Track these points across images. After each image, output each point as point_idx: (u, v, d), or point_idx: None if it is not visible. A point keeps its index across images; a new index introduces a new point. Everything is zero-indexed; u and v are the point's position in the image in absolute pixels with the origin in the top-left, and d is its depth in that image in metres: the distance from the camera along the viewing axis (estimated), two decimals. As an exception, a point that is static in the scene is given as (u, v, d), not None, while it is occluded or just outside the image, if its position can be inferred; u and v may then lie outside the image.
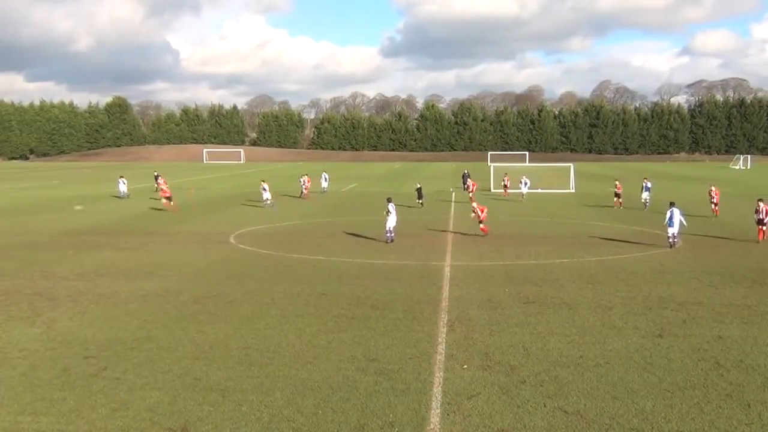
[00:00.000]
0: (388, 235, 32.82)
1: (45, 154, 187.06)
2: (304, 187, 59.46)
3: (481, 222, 35.05)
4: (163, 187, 51.88)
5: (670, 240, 31.32)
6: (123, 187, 57.94)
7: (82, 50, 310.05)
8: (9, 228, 39.12)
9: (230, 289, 23.10)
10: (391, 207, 33.15)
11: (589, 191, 59.59)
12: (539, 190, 63.75)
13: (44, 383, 14.11)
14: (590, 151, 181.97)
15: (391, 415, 12.43)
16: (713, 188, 46.14)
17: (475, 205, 36.49)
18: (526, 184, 59.35)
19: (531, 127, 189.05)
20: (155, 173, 78.09)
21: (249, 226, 39.46)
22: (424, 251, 30.39)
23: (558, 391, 13.63)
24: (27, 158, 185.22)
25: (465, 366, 15.06)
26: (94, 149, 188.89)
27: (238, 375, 14.55)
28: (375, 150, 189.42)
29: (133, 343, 16.88)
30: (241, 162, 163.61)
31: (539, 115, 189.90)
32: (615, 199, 50.97)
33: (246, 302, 21.12)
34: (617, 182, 52.70)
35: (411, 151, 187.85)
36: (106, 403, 13.03)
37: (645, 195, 49.74)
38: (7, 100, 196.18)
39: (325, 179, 66.20)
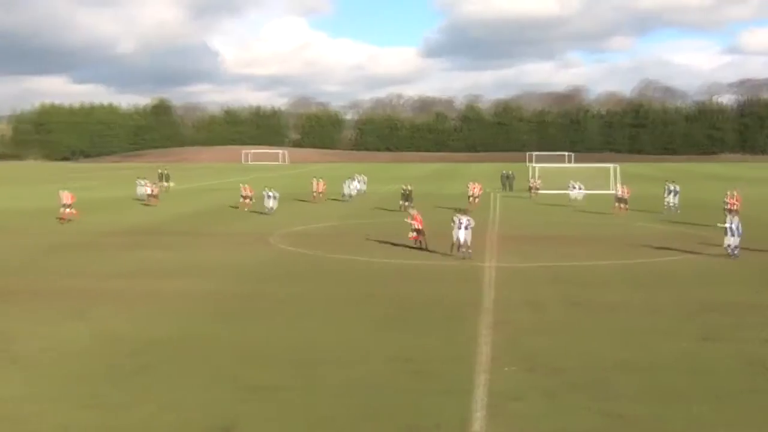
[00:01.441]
0: (461, 250, 28.52)
1: (89, 156, 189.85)
2: (315, 190, 57.13)
3: (417, 231, 30.97)
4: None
5: (729, 251, 28.59)
6: (141, 189, 56.90)
7: (127, 53, 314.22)
8: (56, 228, 39.78)
9: (272, 289, 23.26)
10: (464, 219, 29.00)
11: (632, 192, 58.65)
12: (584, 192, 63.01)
13: (93, 379, 14.31)
14: (633, 152, 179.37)
15: (435, 417, 12.39)
16: (733, 193, 42.12)
17: (414, 212, 32.45)
18: (578, 188, 54.40)
19: (572, 127, 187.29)
20: (163, 171, 77.43)
21: (289, 227, 39.67)
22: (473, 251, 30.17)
23: (604, 394, 13.49)
24: (73, 159, 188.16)
25: (511, 368, 14.95)
26: (137, 150, 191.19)
27: (283, 375, 14.62)
28: (415, 151, 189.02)
29: (177, 341, 17.08)
30: (282, 163, 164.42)
31: (581, 115, 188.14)
32: (617, 204, 46.96)
33: (288, 303, 21.25)
34: (623, 186, 48.90)
35: (451, 151, 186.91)
36: (153, 400, 13.17)
37: (671, 198, 46.99)
38: (54, 102, 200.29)
39: (361, 182, 65.34)
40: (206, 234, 37.36)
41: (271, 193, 47.07)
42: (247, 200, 49.18)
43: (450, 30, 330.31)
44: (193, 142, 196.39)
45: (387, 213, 47.92)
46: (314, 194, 56.75)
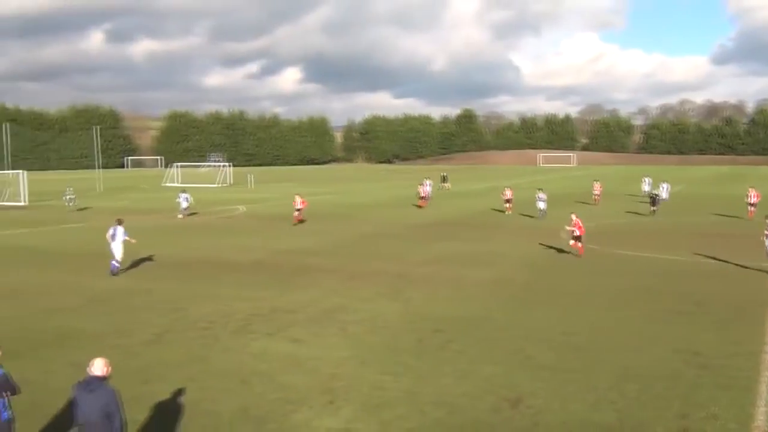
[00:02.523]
0: None
1: (405, 159, 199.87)
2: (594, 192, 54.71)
3: (577, 239, 27.62)
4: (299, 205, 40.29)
5: None
6: (426, 188, 57.12)
7: (439, 70, 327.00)
8: (373, 218, 42.23)
9: (558, 278, 22.89)
10: None
11: None
12: None
13: (402, 350, 15.00)
14: None
15: (714, 408, 11.48)
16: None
17: (574, 217, 28.39)
18: None
19: None
20: (444, 173, 78.91)
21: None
22: (751, 253, 27.41)
23: None
24: (391, 162, 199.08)
25: (795, 368, 13.46)
26: (445, 154, 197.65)
27: (565, 356, 14.33)
28: (702, 154, 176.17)
29: (474, 321, 17.37)
30: (572, 165, 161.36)
31: None
32: None
33: (572, 291, 20.76)
34: None
35: (740, 155, 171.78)
36: (451, 371, 13.52)
37: None
38: (377, 114, 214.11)
39: (649, 183, 61.55)
40: (501, 227, 37.54)
41: (541, 195, 42.92)
42: (508, 204, 46.27)
43: (743, 36, 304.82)
44: (493, 147, 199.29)
45: (676, 212, 45.00)
46: (594, 197, 54.67)
